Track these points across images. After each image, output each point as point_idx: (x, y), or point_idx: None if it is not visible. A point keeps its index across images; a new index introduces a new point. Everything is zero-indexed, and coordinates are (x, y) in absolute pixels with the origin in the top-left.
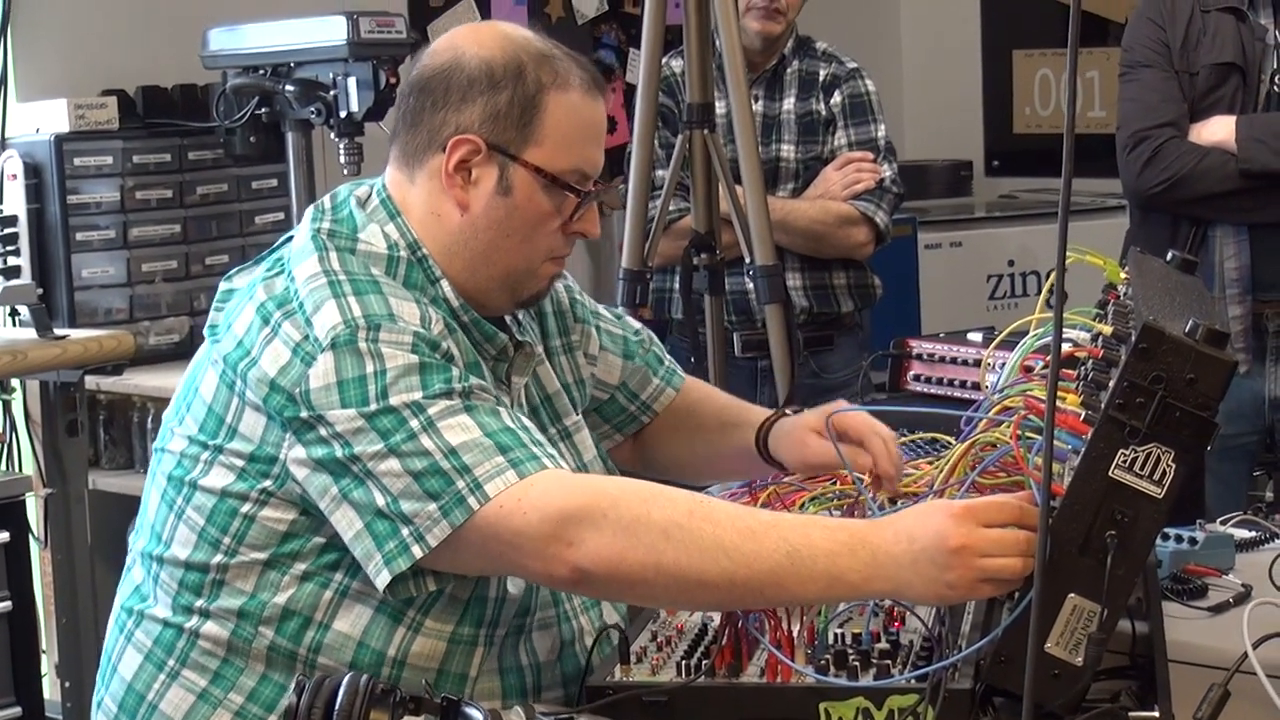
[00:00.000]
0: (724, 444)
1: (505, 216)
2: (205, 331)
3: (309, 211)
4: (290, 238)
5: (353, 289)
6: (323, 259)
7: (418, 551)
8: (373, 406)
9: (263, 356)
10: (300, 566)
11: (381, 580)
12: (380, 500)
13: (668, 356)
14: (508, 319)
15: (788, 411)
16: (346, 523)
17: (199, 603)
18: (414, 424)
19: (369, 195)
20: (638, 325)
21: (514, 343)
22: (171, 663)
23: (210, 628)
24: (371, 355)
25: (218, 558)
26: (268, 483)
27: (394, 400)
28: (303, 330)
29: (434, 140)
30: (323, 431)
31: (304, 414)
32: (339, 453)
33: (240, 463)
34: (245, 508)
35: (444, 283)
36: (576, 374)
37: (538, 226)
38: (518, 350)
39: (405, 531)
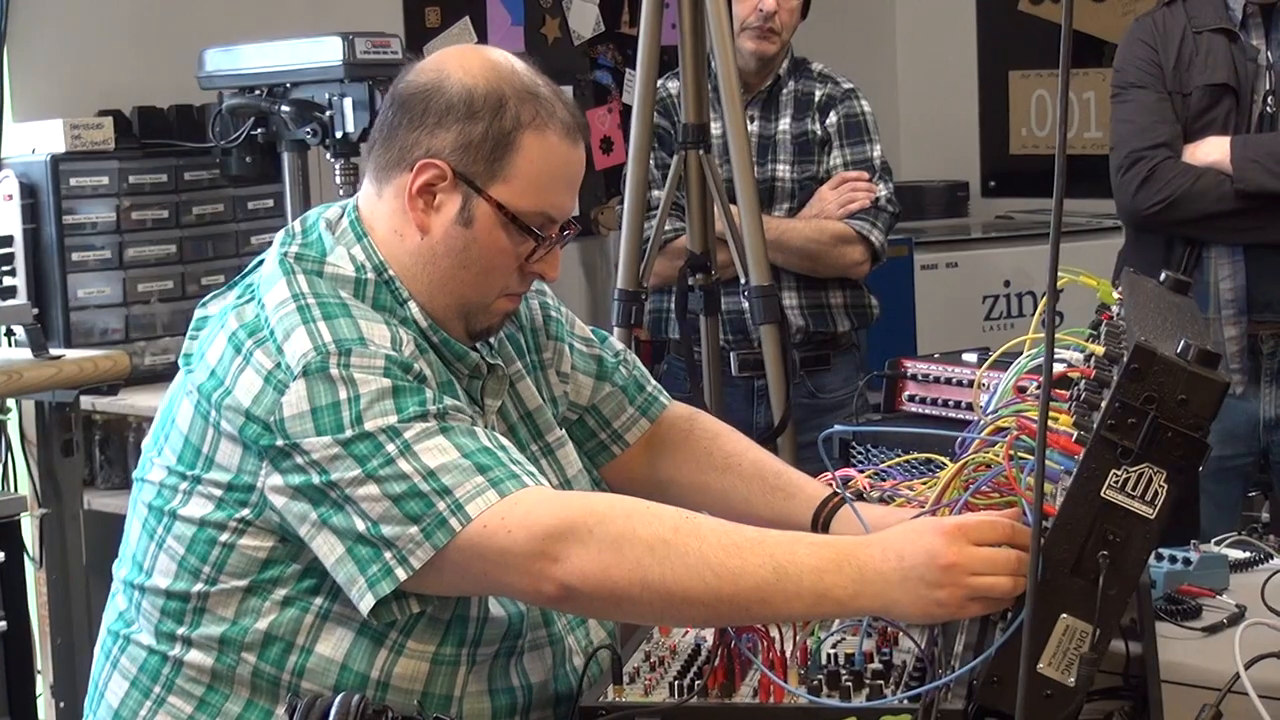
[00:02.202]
0: (764, 506)
1: (463, 247)
2: (179, 361)
3: (279, 236)
4: (261, 262)
5: (322, 313)
6: (290, 283)
7: (401, 574)
8: (348, 433)
9: (236, 386)
10: (281, 592)
11: (365, 605)
12: (361, 525)
13: (651, 383)
14: (476, 357)
15: (838, 490)
16: (328, 549)
17: (181, 630)
18: (390, 448)
19: (340, 217)
20: (620, 347)
21: (485, 364)
22: (157, 690)
23: (194, 655)
24: (344, 381)
25: (198, 586)
26: (245, 511)
27: (369, 425)
28: (274, 358)
29: (404, 159)
30: (299, 460)
31: (279, 442)
32: (316, 480)
33: (218, 492)
34: (224, 536)
35: (412, 304)
36: (550, 391)
37: (494, 262)
38: (489, 373)
39: (388, 555)
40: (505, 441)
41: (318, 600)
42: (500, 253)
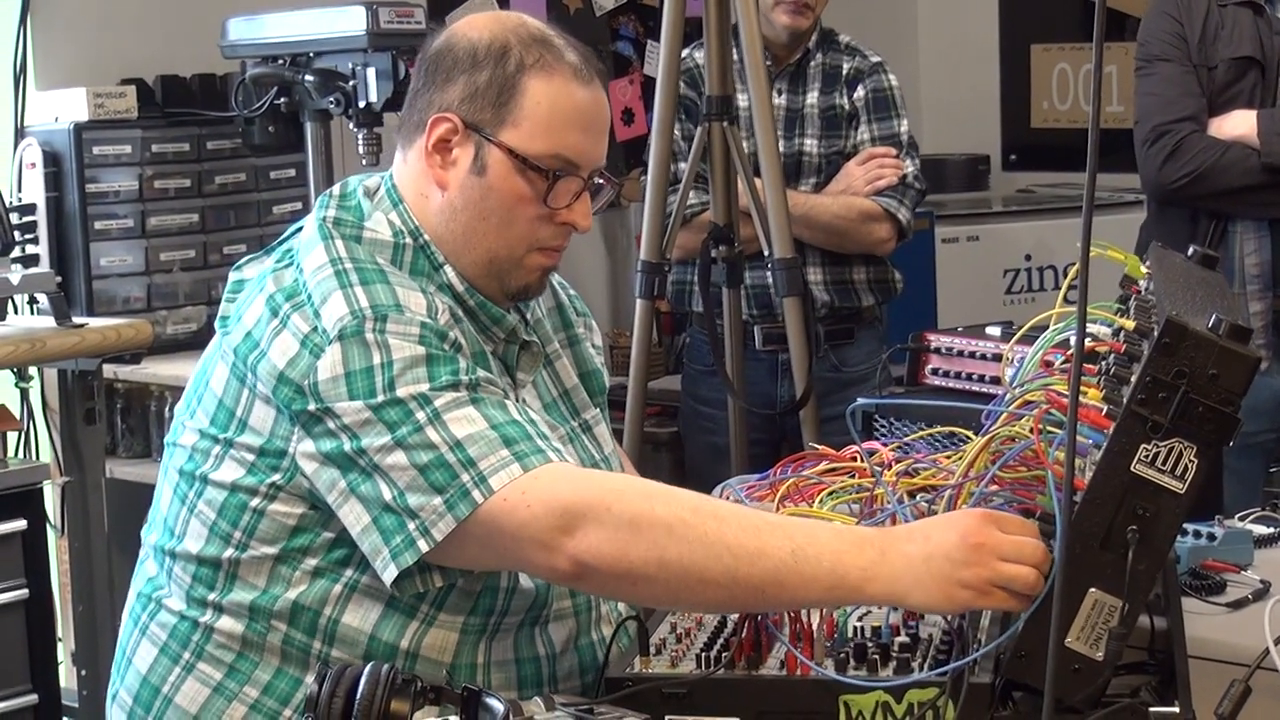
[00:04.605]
0: None
1: (481, 197)
2: (216, 324)
3: (317, 200)
4: (300, 228)
5: (359, 279)
6: (329, 248)
7: (424, 546)
8: (380, 398)
9: (271, 348)
10: (311, 562)
11: (389, 575)
12: (387, 494)
13: None
14: (514, 319)
15: None
16: (354, 517)
17: (212, 596)
18: (420, 416)
19: (378, 185)
20: None
21: (522, 333)
22: (186, 656)
23: (224, 622)
24: (379, 346)
25: (229, 552)
26: (277, 476)
27: (401, 392)
28: (311, 322)
29: (421, 121)
30: (331, 424)
31: (312, 406)
32: (347, 446)
33: (250, 456)
34: (255, 502)
35: (448, 268)
36: (590, 364)
37: (515, 210)
38: (523, 348)
39: (412, 526)
40: (535, 416)
41: (347, 572)
42: (519, 200)
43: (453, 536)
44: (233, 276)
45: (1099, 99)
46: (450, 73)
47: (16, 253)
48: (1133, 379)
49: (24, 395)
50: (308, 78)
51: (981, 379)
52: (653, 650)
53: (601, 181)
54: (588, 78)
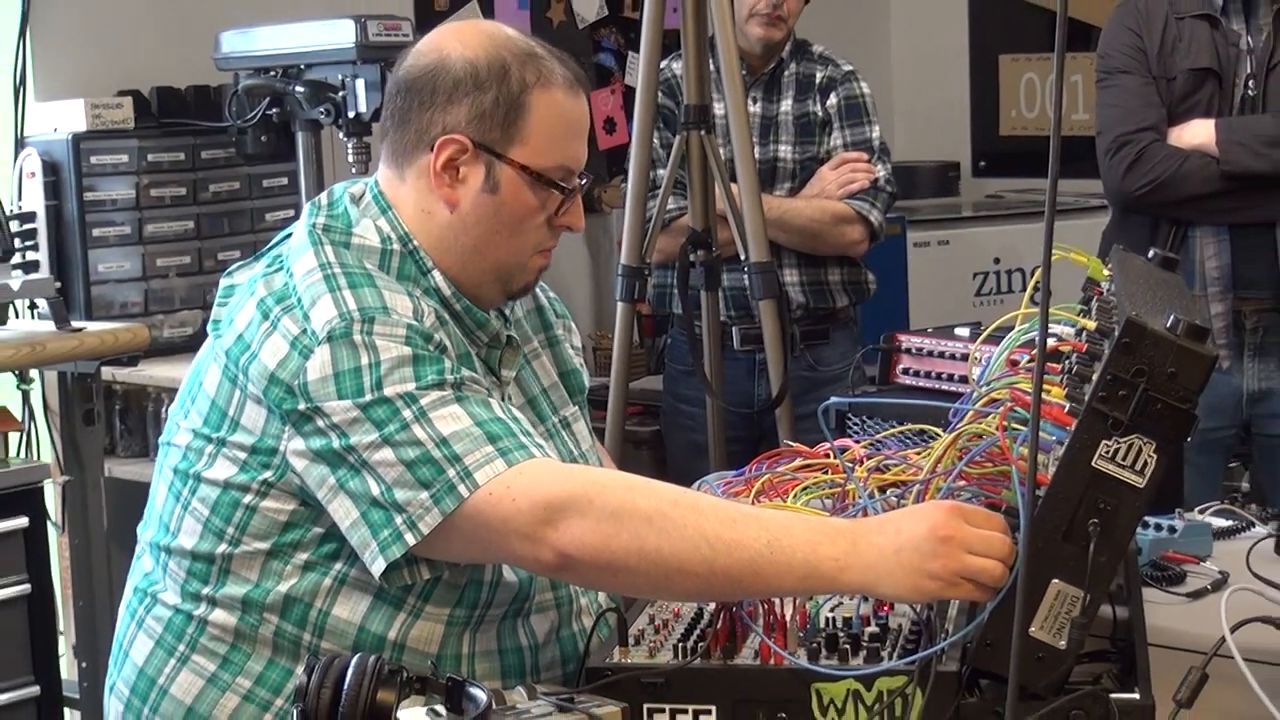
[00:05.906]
0: None
1: (493, 213)
2: (208, 327)
3: (306, 208)
4: (289, 234)
5: (348, 282)
6: (318, 253)
7: (410, 539)
8: (368, 397)
9: (262, 350)
10: (302, 556)
11: (377, 568)
12: (375, 489)
13: None
14: (494, 316)
15: None
16: (343, 512)
17: (206, 590)
18: (407, 414)
19: (363, 193)
20: None
21: (504, 334)
22: (181, 648)
23: (218, 615)
24: (366, 347)
25: (222, 547)
26: (268, 474)
27: (388, 391)
28: (300, 324)
29: (422, 140)
30: (320, 423)
31: (302, 406)
32: (336, 444)
33: (242, 455)
34: (247, 499)
35: (436, 273)
36: (569, 364)
37: (525, 222)
38: (506, 345)
39: (399, 520)
40: (518, 414)
41: (337, 566)
42: (529, 212)
43: (439, 530)
44: (223, 282)
45: (1060, 107)
46: (453, 93)
47: (17, 259)
48: (1094, 377)
49: (25, 397)
50: (299, 89)
51: (950, 378)
52: (631, 641)
53: (582, 180)
54: (578, 89)
